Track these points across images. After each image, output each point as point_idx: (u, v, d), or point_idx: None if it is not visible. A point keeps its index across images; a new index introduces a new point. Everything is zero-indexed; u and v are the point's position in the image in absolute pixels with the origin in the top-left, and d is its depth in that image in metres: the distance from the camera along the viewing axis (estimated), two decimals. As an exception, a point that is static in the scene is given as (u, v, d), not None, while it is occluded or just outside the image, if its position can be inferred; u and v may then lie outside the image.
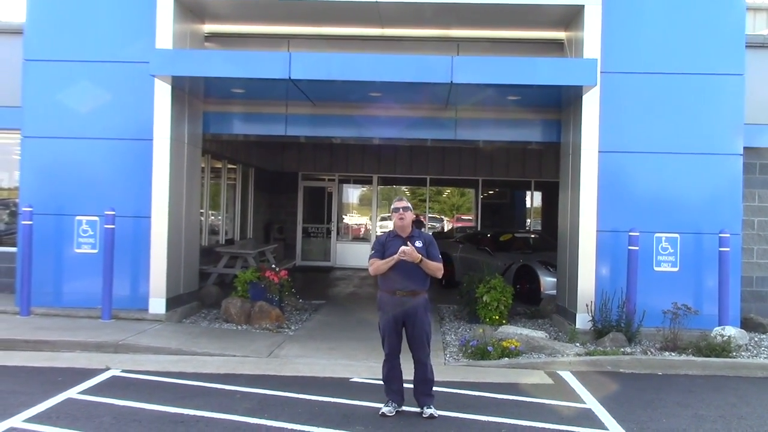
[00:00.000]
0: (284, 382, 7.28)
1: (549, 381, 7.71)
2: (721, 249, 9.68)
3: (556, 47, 11.30)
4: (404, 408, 6.31)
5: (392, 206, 6.35)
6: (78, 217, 10.30)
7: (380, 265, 6.16)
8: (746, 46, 10.15)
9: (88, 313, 9.90)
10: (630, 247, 9.55)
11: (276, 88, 10.26)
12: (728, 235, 9.70)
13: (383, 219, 20.17)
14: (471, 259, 14.79)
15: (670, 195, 10.03)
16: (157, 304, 10.04)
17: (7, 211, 12.74)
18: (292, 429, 5.79)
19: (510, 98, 10.51)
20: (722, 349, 8.57)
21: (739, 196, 10.14)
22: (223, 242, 15.68)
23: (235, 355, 8.36)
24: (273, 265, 11.75)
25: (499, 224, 19.57)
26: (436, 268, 6.20)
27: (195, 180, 11.41)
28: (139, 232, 10.20)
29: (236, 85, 10.30)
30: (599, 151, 9.97)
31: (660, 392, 7.37)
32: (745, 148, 10.21)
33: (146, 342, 8.64)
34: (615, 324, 9.33)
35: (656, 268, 9.96)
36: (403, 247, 6.06)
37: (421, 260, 6.10)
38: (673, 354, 8.72)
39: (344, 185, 20.46)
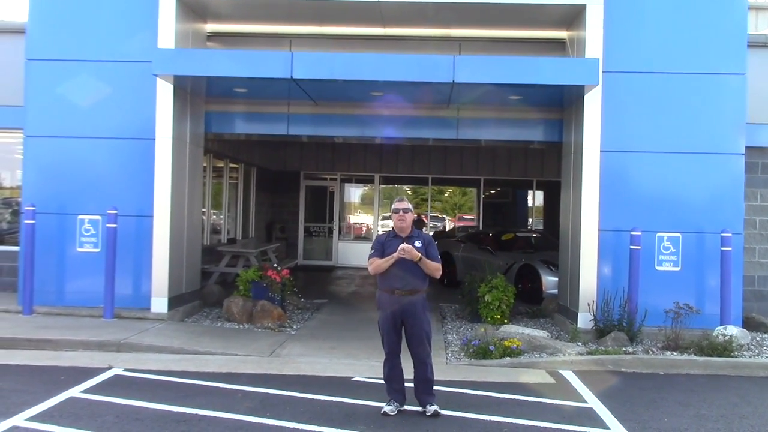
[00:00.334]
0: (286, 381, 7.29)
1: (551, 380, 7.71)
2: (723, 248, 9.67)
3: (557, 47, 11.30)
4: (406, 407, 6.31)
5: (392, 207, 6.38)
6: (80, 216, 10.32)
7: (380, 264, 6.18)
8: (748, 46, 10.14)
9: (91, 312, 9.92)
10: (632, 247, 9.56)
11: (278, 88, 10.27)
12: (730, 234, 9.69)
13: (385, 218, 20.18)
14: (473, 259, 14.80)
15: (671, 194, 10.03)
16: (159, 303, 10.06)
17: (10, 210, 12.76)
18: (294, 428, 5.80)
19: (512, 98, 10.52)
20: (724, 349, 8.57)
21: (740, 196, 10.14)
22: (225, 241, 15.70)
23: (237, 354, 8.37)
24: (275, 265, 11.75)
25: (501, 223, 19.56)
26: (435, 267, 6.22)
27: (197, 179, 11.43)
28: (141, 232, 10.22)
29: (238, 85, 10.31)
30: (601, 151, 9.97)
31: (662, 391, 7.37)
32: (747, 147, 10.21)
33: (148, 341, 8.66)
34: (617, 323, 9.33)
35: (658, 268, 9.96)
36: (402, 245, 6.09)
37: (421, 258, 6.11)
38: (674, 353, 8.72)
39: (346, 184, 20.47)
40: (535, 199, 20.33)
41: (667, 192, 10.04)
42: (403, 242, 6.16)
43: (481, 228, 19.36)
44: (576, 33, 10.60)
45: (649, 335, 9.34)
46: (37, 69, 10.40)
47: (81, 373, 7.29)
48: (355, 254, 19.51)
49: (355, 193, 21.11)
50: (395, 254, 6.08)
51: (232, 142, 14.14)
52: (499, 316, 10.32)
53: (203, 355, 8.30)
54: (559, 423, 6.14)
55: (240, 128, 12.07)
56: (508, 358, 8.40)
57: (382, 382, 6.47)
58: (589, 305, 9.72)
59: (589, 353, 8.65)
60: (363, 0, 10.19)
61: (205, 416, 6.02)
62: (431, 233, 17.95)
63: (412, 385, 6.37)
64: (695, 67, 10.04)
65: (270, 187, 19.37)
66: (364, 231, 20.67)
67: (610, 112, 9.97)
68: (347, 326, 10.50)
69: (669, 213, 10.00)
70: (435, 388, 6.37)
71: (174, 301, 10.26)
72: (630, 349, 8.92)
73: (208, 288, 12.01)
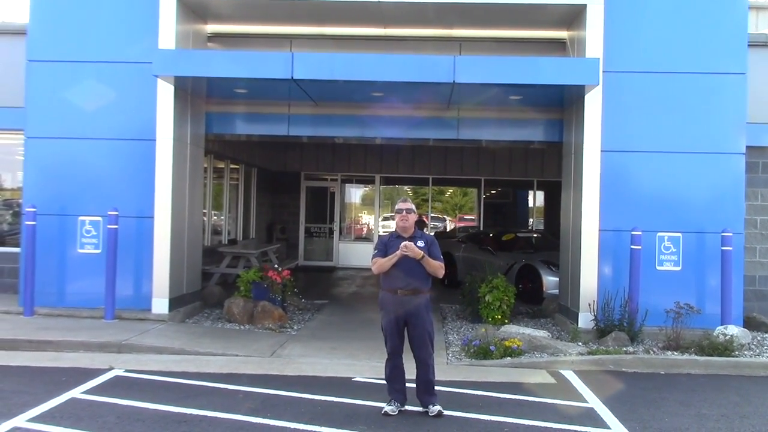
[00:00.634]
0: (287, 381, 7.29)
1: (551, 380, 7.72)
2: (723, 248, 9.67)
3: (558, 47, 11.30)
4: (407, 407, 6.32)
5: (396, 207, 6.42)
6: (81, 218, 10.32)
7: (383, 263, 6.20)
8: (748, 45, 10.14)
9: (92, 313, 9.92)
10: (632, 247, 9.56)
11: (278, 88, 10.27)
12: (731, 234, 9.69)
13: (386, 219, 20.18)
14: (473, 259, 14.80)
15: (672, 194, 10.03)
16: (160, 304, 10.06)
17: (11, 212, 12.77)
18: (295, 428, 5.80)
19: (512, 98, 10.52)
20: (725, 348, 8.57)
21: (741, 195, 10.14)
22: (226, 242, 15.71)
23: (237, 355, 8.38)
24: (275, 265, 11.76)
25: (501, 224, 19.56)
26: (438, 266, 6.24)
27: (198, 180, 11.43)
28: (142, 233, 10.22)
29: (239, 86, 10.32)
30: (601, 151, 9.97)
31: (662, 391, 7.37)
32: (747, 147, 10.21)
33: (149, 342, 8.66)
34: (617, 323, 9.33)
35: (659, 268, 9.96)
36: (405, 242, 6.12)
37: (423, 257, 6.13)
38: (675, 353, 8.72)
39: (347, 185, 20.47)
40: (536, 199, 20.33)
41: (668, 192, 10.04)
42: (404, 242, 6.18)
43: (481, 228, 19.36)
44: (576, 33, 10.61)
45: (650, 335, 9.34)
46: (38, 70, 10.41)
47: (82, 374, 7.30)
48: (355, 255, 19.53)
49: (355, 193, 21.11)
50: (398, 252, 6.11)
51: (232, 142, 14.14)
52: (499, 317, 10.32)
53: (204, 356, 8.31)
54: (559, 423, 6.14)
55: (240, 129, 12.08)
56: (508, 358, 8.40)
57: (383, 382, 6.47)
58: (589, 305, 9.73)
59: (589, 353, 8.65)
60: (363, 0, 10.20)
61: (206, 417, 6.02)
62: (432, 234, 17.96)
63: (412, 385, 6.37)
64: (696, 67, 10.04)
65: (270, 188, 19.38)
66: (364, 232, 20.67)
67: (611, 112, 9.97)
68: (348, 327, 10.50)
69: (669, 213, 10.00)
70: (436, 388, 6.37)
71: (175, 302, 10.26)
72: (631, 348, 8.92)
73: (209, 289, 12.02)
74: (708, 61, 10.04)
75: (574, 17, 10.50)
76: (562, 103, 11.01)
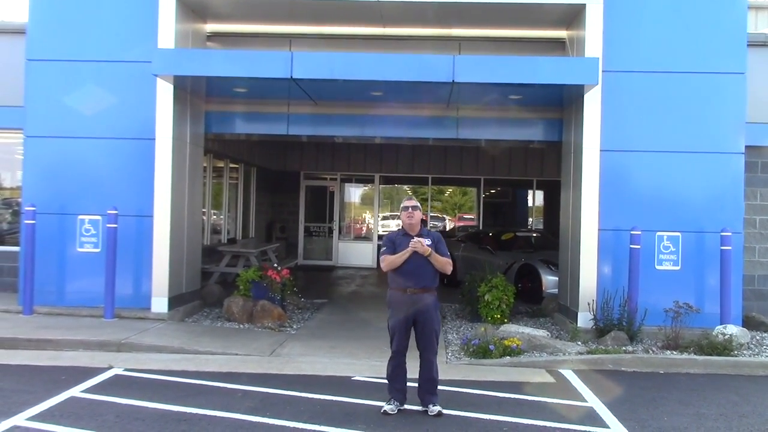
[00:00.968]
0: (286, 380, 7.30)
1: (551, 379, 7.72)
2: (722, 248, 9.68)
3: (557, 46, 11.31)
4: (406, 406, 6.32)
5: (402, 205, 6.47)
6: (81, 217, 10.32)
7: (394, 260, 6.22)
8: (747, 45, 10.14)
9: (91, 312, 9.93)
10: (632, 246, 9.56)
11: (278, 88, 10.28)
12: (730, 233, 9.70)
13: (385, 218, 20.18)
14: (473, 258, 14.80)
15: (671, 194, 10.03)
16: (160, 303, 10.07)
17: (10, 211, 12.77)
18: (294, 427, 5.80)
19: (512, 97, 10.52)
20: (724, 348, 8.58)
21: (740, 195, 10.15)
22: (225, 241, 15.70)
23: (237, 354, 8.38)
24: (275, 264, 11.76)
25: (501, 223, 19.58)
26: (445, 262, 6.28)
27: (197, 179, 11.44)
28: (141, 232, 10.22)
29: (238, 85, 10.32)
30: (601, 150, 9.97)
31: (661, 391, 7.37)
32: (746, 146, 10.21)
33: (149, 341, 8.66)
34: (617, 323, 9.34)
35: (658, 267, 9.96)
36: (414, 238, 6.15)
37: (430, 253, 6.17)
38: (674, 352, 8.72)
39: (346, 184, 20.47)
40: (535, 198, 20.34)
41: (667, 191, 10.04)
42: (413, 239, 6.22)
43: (481, 228, 19.37)
44: (576, 32, 10.61)
45: (649, 334, 9.34)
46: (37, 69, 10.40)
47: (81, 373, 7.30)
48: (355, 254, 19.53)
49: (355, 193, 21.11)
50: (409, 248, 6.14)
51: (232, 142, 14.14)
52: (499, 316, 10.32)
53: (203, 355, 8.31)
54: (558, 422, 6.14)
55: (240, 128, 12.08)
56: (508, 357, 8.41)
57: (383, 381, 6.48)
58: (589, 304, 9.73)
59: (589, 352, 8.66)
60: (363, 0, 10.19)
61: (205, 415, 6.03)
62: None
63: (414, 384, 6.38)
64: (695, 67, 10.04)
65: (270, 187, 19.37)
66: (364, 231, 20.67)
67: (610, 112, 9.97)
68: (347, 326, 10.50)
69: (669, 212, 10.00)
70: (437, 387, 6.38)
71: (174, 301, 10.27)
72: (630, 348, 8.92)
73: (209, 288, 12.02)
74: (707, 61, 10.05)
75: (574, 17, 10.51)
76: (562, 103, 11.02)
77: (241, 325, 10.06)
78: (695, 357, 8.50)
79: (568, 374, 7.94)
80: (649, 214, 9.96)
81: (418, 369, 6.36)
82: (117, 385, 6.97)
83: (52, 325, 9.21)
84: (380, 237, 19.56)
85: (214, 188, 14.81)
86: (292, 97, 11.15)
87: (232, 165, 16.14)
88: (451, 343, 9.36)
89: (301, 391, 6.83)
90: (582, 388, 7.35)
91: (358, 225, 20.86)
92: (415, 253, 6.15)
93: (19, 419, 5.78)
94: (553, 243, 13.01)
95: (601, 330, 9.40)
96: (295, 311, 11.36)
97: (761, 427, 6.22)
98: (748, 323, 10.19)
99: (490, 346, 8.42)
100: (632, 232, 9.60)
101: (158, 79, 9.96)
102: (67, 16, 10.43)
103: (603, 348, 8.80)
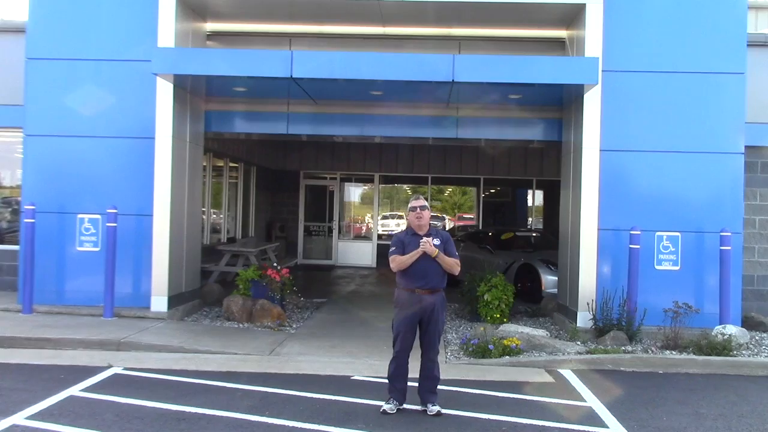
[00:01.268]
0: (286, 379, 7.30)
1: (550, 379, 7.73)
2: (722, 248, 9.68)
3: (557, 46, 11.31)
4: (405, 406, 6.32)
5: (409, 205, 6.42)
6: (80, 215, 10.32)
7: (404, 260, 6.20)
8: (747, 45, 10.14)
9: (91, 311, 9.93)
10: (631, 246, 9.56)
11: (278, 87, 10.28)
12: (729, 233, 9.70)
13: (385, 218, 20.18)
14: (472, 258, 14.80)
15: (671, 194, 10.04)
16: (159, 302, 10.07)
17: (10, 209, 12.77)
18: (293, 426, 5.81)
19: (511, 97, 10.52)
20: (723, 348, 8.58)
21: (740, 195, 10.15)
22: (225, 240, 15.71)
23: (236, 353, 8.38)
24: (274, 264, 11.76)
25: (500, 223, 19.60)
26: (453, 263, 6.26)
27: (197, 178, 11.44)
28: (141, 230, 10.22)
29: (238, 84, 10.32)
30: (600, 150, 9.98)
31: (661, 390, 7.38)
32: (746, 146, 10.21)
33: (148, 340, 8.66)
34: (616, 322, 9.34)
35: (657, 267, 9.96)
36: (424, 238, 6.15)
37: (438, 254, 6.16)
38: (674, 352, 8.73)
39: (346, 184, 20.49)
40: (535, 198, 20.35)
41: (667, 191, 10.04)
42: (422, 239, 6.21)
43: (480, 227, 19.38)
44: (575, 32, 10.61)
45: (649, 334, 9.35)
46: (37, 68, 10.40)
47: (81, 372, 7.30)
48: (354, 254, 19.53)
49: (354, 192, 21.13)
50: (419, 249, 6.13)
51: (231, 141, 14.14)
52: (498, 315, 10.32)
53: (203, 354, 8.31)
54: (558, 422, 6.15)
55: (240, 127, 12.09)
56: (507, 357, 8.41)
57: (382, 380, 6.48)
58: (588, 304, 9.74)
59: (588, 352, 8.66)
60: (363, -1, 10.21)
61: (204, 415, 6.03)
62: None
63: (414, 384, 6.38)
64: (695, 67, 10.04)
65: (270, 187, 19.38)
66: (363, 230, 20.67)
67: (610, 112, 9.97)
68: (347, 325, 10.50)
69: (668, 212, 10.00)
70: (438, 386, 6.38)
71: (174, 300, 10.27)
72: (629, 348, 8.93)
73: (208, 287, 12.03)
74: (707, 61, 10.05)
75: (574, 16, 10.51)
76: (562, 103, 11.02)
77: (241, 325, 10.06)
78: (694, 357, 8.50)
79: (568, 374, 7.94)
80: (648, 214, 9.96)
81: (419, 368, 6.36)
82: (116, 384, 6.98)
83: (52, 324, 9.21)
84: (380, 236, 19.60)
85: (213, 187, 14.82)
86: (292, 97, 11.15)
87: (231, 164, 16.15)
88: (451, 342, 9.36)
89: (300, 391, 6.84)
90: (581, 388, 7.36)
91: (357, 224, 20.87)
92: (424, 253, 6.14)
93: (19, 418, 5.78)
94: (553, 243, 13.02)
95: (600, 330, 9.40)
96: (294, 310, 11.36)
97: (760, 427, 6.23)
98: (748, 323, 10.20)
99: (489, 346, 8.42)
100: (632, 232, 9.60)
101: (158, 78, 9.95)
102: (67, 15, 10.43)
103: (602, 348, 8.80)
